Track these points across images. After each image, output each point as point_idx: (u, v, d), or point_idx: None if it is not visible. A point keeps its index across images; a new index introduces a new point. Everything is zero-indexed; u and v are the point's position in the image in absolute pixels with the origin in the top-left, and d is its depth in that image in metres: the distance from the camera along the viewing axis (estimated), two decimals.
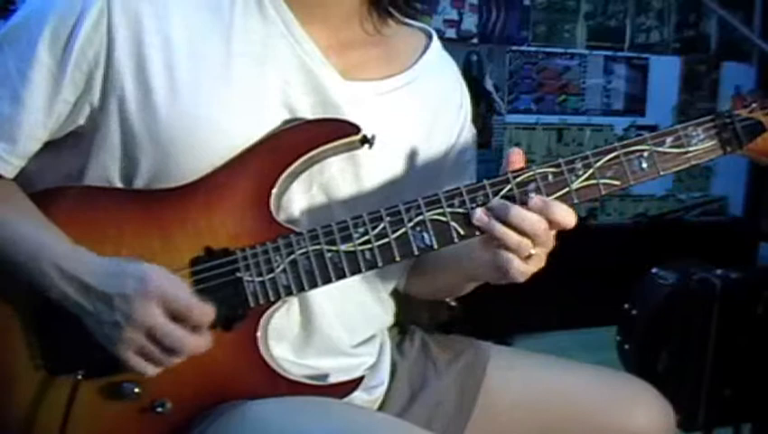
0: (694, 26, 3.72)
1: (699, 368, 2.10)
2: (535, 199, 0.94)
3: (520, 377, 1.20)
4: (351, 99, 1.04)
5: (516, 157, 0.98)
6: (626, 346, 2.21)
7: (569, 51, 3.51)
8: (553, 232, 0.96)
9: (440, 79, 1.18)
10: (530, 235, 0.94)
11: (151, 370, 0.93)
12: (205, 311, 0.93)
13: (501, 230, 0.94)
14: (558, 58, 3.49)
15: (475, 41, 3.30)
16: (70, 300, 0.93)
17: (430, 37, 1.19)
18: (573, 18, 3.50)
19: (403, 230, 0.97)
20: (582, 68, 3.54)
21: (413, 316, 1.30)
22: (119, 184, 1.00)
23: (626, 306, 2.24)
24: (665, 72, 3.68)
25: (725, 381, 2.11)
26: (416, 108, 1.12)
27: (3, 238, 0.95)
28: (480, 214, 0.95)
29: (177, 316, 0.92)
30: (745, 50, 3.72)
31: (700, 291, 2.14)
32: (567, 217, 0.94)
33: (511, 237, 0.94)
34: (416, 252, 0.97)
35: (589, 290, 2.91)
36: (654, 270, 2.25)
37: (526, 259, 0.95)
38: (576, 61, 3.53)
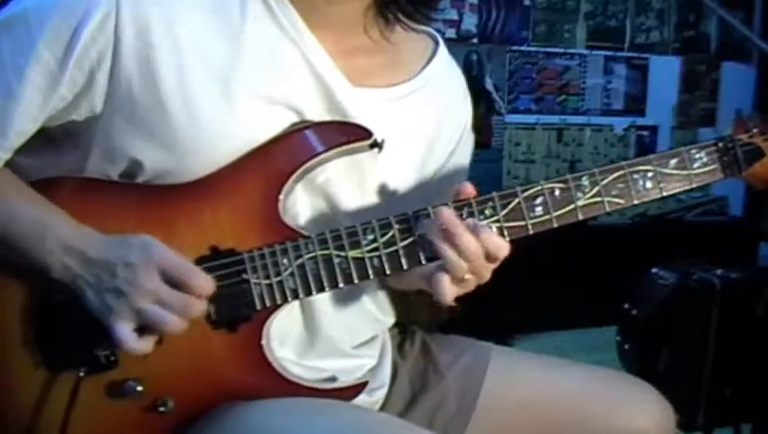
0: (694, 26, 3.72)
1: (699, 368, 2.10)
2: (468, 220, 0.95)
3: (520, 378, 1.20)
4: (358, 105, 1.03)
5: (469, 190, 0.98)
6: (626, 346, 2.21)
7: (569, 51, 3.51)
8: (492, 266, 0.97)
9: (445, 87, 1.17)
10: (469, 257, 0.94)
11: (141, 345, 0.92)
12: (206, 278, 0.93)
13: (447, 248, 0.94)
14: (558, 58, 3.50)
15: (475, 41, 3.30)
16: (72, 273, 0.92)
17: (437, 42, 1.18)
18: (573, 18, 3.50)
19: (412, 238, 0.97)
20: (582, 68, 3.54)
21: (413, 317, 1.30)
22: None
23: (626, 306, 2.23)
24: (665, 72, 3.69)
25: (725, 381, 2.11)
26: (421, 116, 1.12)
27: (1, 216, 0.94)
28: (450, 214, 0.94)
29: (178, 285, 0.91)
30: (745, 50, 3.73)
31: (700, 291, 2.13)
32: (500, 248, 0.95)
33: (452, 255, 0.93)
34: (424, 261, 0.97)
35: (589, 290, 2.91)
36: (654, 270, 2.24)
37: (458, 282, 0.96)
38: (576, 61, 3.53)
